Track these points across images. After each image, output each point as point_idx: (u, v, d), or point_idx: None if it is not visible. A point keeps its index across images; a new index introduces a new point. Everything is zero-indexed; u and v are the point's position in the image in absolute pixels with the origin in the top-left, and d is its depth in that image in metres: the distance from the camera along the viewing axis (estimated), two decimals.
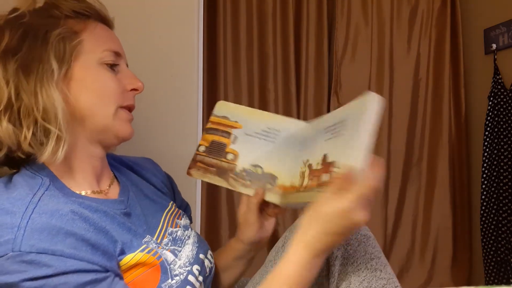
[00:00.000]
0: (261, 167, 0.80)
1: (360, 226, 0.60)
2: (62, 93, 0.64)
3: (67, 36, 0.66)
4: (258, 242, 0.82)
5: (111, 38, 0.73)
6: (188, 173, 0.82)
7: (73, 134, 0.66)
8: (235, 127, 0.84)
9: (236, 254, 0.84)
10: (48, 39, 0.64)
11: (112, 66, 0.70)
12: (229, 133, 0.84)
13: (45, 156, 0.61)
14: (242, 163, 0.81)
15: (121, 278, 0.61)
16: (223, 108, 0.86)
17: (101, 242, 0.58)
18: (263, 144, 0.82)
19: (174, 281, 0.65)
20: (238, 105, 0.85)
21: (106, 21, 0.75)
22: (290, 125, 0.83)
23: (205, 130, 0.85)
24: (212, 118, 0.85)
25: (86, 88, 0.67)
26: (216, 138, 0.84)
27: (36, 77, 0.62)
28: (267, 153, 0.81)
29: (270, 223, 0.83)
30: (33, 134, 0.62)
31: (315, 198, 0.63)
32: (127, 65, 0.76)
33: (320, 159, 0.70)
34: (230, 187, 0.81)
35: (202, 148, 0.84)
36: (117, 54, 0.72)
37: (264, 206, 0.80)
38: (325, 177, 0.65)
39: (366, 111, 0.62)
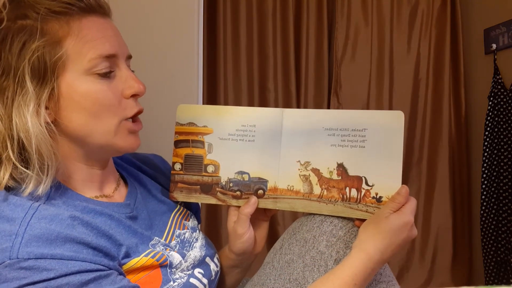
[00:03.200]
0: (247, 173, 0.74)
1: (412, 238, 0.67)
2: (50, 117, 0.58)
3: (47, 49, 0.56)
4: (250, 252, 0.78)
5: (103, 36, 0.61)
6: (172, 197, 0.78)
7: (67, 153, 0.62)
8: (206, 133, 0.76)
9: (230, 263, 0.81)
10: (23, 55, 0.55)
11: (106, 74, 0.61)
12: (202, 142, 0.76)
13: (26, 193, 0.56)
14: (225, 173, 0.75)
15: (125, 276, 0.60)
16: (185, 113, 0.77)
17: (103, 245, 0.57)
18: (241, 146, 0.75)
19: (176, 283, 0.65)
20: (200, 105, 0.78)
21: (98, 11, 0.62)
22: (263, 116, 0.75)
23: (174, 144, 0.77)
24: (177, 128, 0.77)
25: (77, 106, 0.59)
26: (189, 151, 0.76)
27: (13, 103, 0.55)
28: (249, 155, 0.74)
29: (263, 230, 0.80)
30: (14, 167, 0.56)
31: (345, 213, 0.71)
32: (130, 57, 0.67)
33: (333, 167, 0.71)
34: (220, 203, 0.75)
35: (177, 166, 0.77)
36: (111, 57, 0.61)
37: (256, 213, 0.75)
38: (354, 192, 0.70)
39: (399, 131, 0.68)
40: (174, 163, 0.78)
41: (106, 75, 0.61)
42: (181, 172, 0.77)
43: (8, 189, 0.57)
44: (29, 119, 0.55)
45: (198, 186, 0.77)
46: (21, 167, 0.56)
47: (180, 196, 0.78)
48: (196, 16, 1.33)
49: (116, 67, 0.63)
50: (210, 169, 0.76)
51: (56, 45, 0.57)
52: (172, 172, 0.78)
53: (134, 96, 0.65)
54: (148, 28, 1.29)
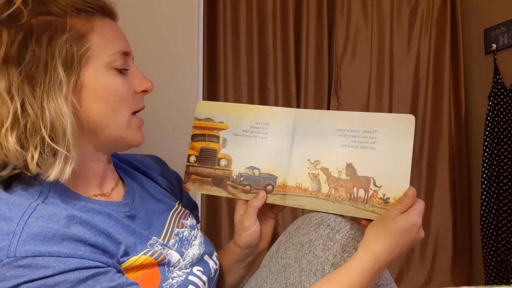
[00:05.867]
0: (257, 169, 0.77)
1: (419, 240, 0.67)
2: (72, 105, 0.60)
3: (74, 42, 0.61)
4: (255, 246, 0.79)
5: (119, 36, 0.68)
6: (184, 188, 0.80)
7: (80, 146, 0.63)
8: (222, 129, 0.79)
9: (234, 258, 0.82)
10: (53, 46, 0.59)
11: (122, 70, 0.66)
12: (217, 137, 0.79)
13: (52, 176, 0.58)
14: (237, 168, 0.78)
15: (123, 274, 0.60)
16: (204, 108, 0.81)
17: (101, 243, 0.57)
18: (254, 143, 0.78)
19: (174, 281, 0.65)
20: (218, 102, 0.82)
21: (111, 14, 0.69)
22: (277, 115, 0.78)
23: (191, 137, 0.81)
24: (195, 123, 0.81)
25: (98, 97, 0.63)
26: (204, 144, 0.80)
27: (43, 90, 0.58)
28: (261, 151, 0.77)
29: (269, 226, 0.81)
30: (40, 153, 0.58)
31: (352, 213, 0.72)
32: (132, 58, 0.72)
33: (342, 167, 0.73)
34: (230, 196, 0.78)
35: (192, 159, 0.80)
36: (126, 54, 0.67)
37: (263, 209, 0.77)
38: (361, 193, 0.71)
39: (410, 134, 0.69)
40: (189, 155, 0.80)
41: (122, 72, 0.66)
42: (196, 164, 0.80)
43: (31, 174, 0.59)
44: (63, 102, 0.58)
45: (210, 179, 0.79)
46: (53, 144, 0.57)
47: (193, 187, 0.80)
48: (196, 16, 1.33)
49: (127, 65, 0.68)
50: (223, 163, 0.79)
51: (82, 38, 0.62)
52: (187, 164, 0.80)
53: (143, 92, 0.71)
54: (148, 28, 1.29)
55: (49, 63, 0.58)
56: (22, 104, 0.57)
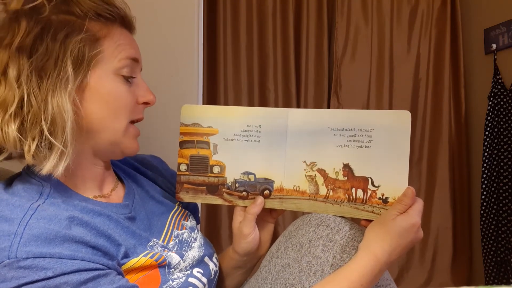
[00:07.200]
0: (253, 173, 0.75)
1: (419, 240, 0.67)
2: (74, 104, 0.61)
3: (88, 43, 0.62)
4: (255, 252, 0.79)
5: (131, 45, 0.69)
6: (178, 198, 0.78)
7: (77, 146, 0.63)
8: (211, 134, 0.76)
9: (233, 264, 0.81)
10: (67, 44, 0.60)
11: (128, 79, 0.67)
12: (207, 143, 0.76)
13: (45, 169, 0.58)
14: (231, 174, 0.75)
15: (123, 276, 0.60)
16: (189, 113, 0.77)
17: (102, 245, 0.57)
18: (247, 146, 0.75)
19: (175, 283, 0.65)
20: (204, 106, 0.78)
21: (129, 26, 0.71)
22: (269, 117, 0.75)
23: (179, 144, 0.77)
24: (182, 129, 0.77)
25: (101, 99, 0.64)
26: (194, 152, 0.77)
27: (49, 83, 0.59)
28: (255, 155, 0.75)
29: (268, 231, 0.81)
30: (38, 145, 0.59)
31: (351, 214, 0.70)
32: (141, 69, 0.73)
33: (339, 168, 0.71)
34: (226, 203, 0.76)
35: (183, 167, 0.77)
36: (135, 61, 0.68)
37: (262, 214, 0.76)
38: (360, 193, 0.70)
39: (406, 131, 0.67)
40: (179, 164, 0.78)
41: (128, 80, 0.67)
42: (187, 173, 0.77)
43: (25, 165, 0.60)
44: (66, 99, 0.59)
45: (204, 187, 0.77)
46: (51, 138, 0.58)
47: (187, 197, 0.78)
48: (196, 16, 1.32)
49: (134, 74, 0.69)
50: (216, 170, 0.76)
51: (96, 42, 0.63)
52: (177, 173, 0.78)
53: (145, 104, 0.71)
54: (148, 28, 1.29)
55: (60, 58, 0.60)
56: (28, 95, 0.58)
